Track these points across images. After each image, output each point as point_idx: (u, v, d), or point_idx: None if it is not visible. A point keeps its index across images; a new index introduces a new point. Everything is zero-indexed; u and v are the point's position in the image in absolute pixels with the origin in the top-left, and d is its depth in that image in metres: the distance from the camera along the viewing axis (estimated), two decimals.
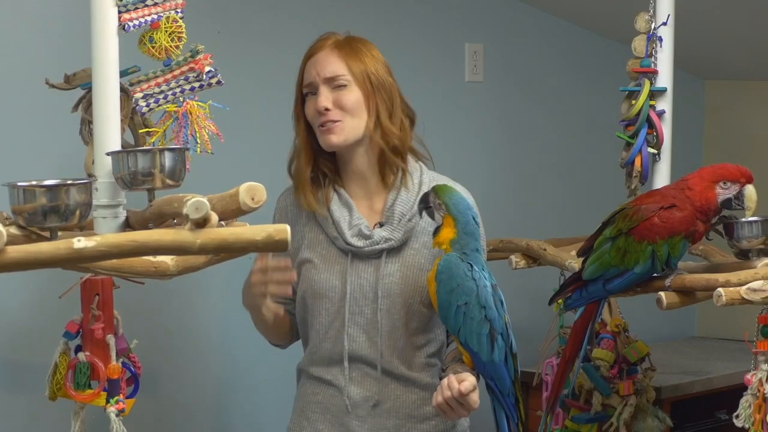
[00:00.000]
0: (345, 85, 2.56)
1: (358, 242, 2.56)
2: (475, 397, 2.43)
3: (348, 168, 2.62)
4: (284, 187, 2.69)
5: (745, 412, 2.53)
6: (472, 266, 2.46)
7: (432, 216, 2.52)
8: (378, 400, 2.57)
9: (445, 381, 2.44)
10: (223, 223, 1.94)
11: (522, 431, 2.54)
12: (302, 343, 2.69)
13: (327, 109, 2.54)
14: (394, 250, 2.58)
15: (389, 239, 2.56)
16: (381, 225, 2.59)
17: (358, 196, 2.62)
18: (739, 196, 2.55)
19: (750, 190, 2.55)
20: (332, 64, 2.56)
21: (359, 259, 2.58)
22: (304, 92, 2.60)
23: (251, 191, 1.91)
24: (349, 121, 2.56)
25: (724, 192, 2.55)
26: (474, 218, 2.50)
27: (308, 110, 2.58)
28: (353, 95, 2.56)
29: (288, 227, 1.90)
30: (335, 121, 2.55)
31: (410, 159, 2.64)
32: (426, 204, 2.52)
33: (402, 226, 2.57)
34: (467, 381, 2.43)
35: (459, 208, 2.48)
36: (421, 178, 2.62)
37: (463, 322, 2.46)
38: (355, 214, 2.59)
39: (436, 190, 2.51)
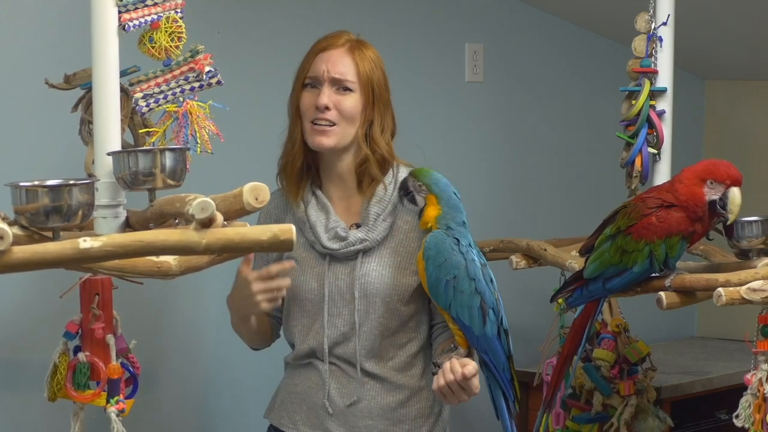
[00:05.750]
0: (350, 90, 2.56)
1: (334, 245, 2.56)
2: (476, 381, 2.44)
3: (329, 168, 2.62)
4: None
5: (744, 411, 2.54)
6: (458, 241, 2.48)
7: (414, 201, 2.53)
8: (355, 400, 2.57)
9: (447, 364, 2.44)
10: (225, 222, 1.94)
11: (518, 408, 2.56)
12: (288, 343, 2.69)
13: (327, 108, 2.54)
14: (370, 250, 2.58)
15: (364, 240, 2.56)
16: (358, 226, 2.60)
17: (335, 197, 2.63)
18: (723, 199, 2.50)
19: (734, 193, 2.49)
20: (344, 66, 2.56)
21: (337, 261, 2.58)
22: (305, 82, 2.59)
23: (255, 191, 1.92)
24: (343, 127, 2.56)
25: (710, 192, 2.51)
26: (455, 193, 2.51)
27: (304, 101, 2.58)
28: (354, 102, 2.56)
29: (293, 227, 1.90)
30: (331, 124, 2.55)
31: None
32: (406, 190, 2.53)
33: (377, 226, 2.57)
34: (470, 365, 2.43)
35: (440, 185, 2.50)
36: (396, 176, 2.62)
37: (453, 296, 2.47)
38: (332, 216, 2.59)
39: (413, 173, 2.52)
